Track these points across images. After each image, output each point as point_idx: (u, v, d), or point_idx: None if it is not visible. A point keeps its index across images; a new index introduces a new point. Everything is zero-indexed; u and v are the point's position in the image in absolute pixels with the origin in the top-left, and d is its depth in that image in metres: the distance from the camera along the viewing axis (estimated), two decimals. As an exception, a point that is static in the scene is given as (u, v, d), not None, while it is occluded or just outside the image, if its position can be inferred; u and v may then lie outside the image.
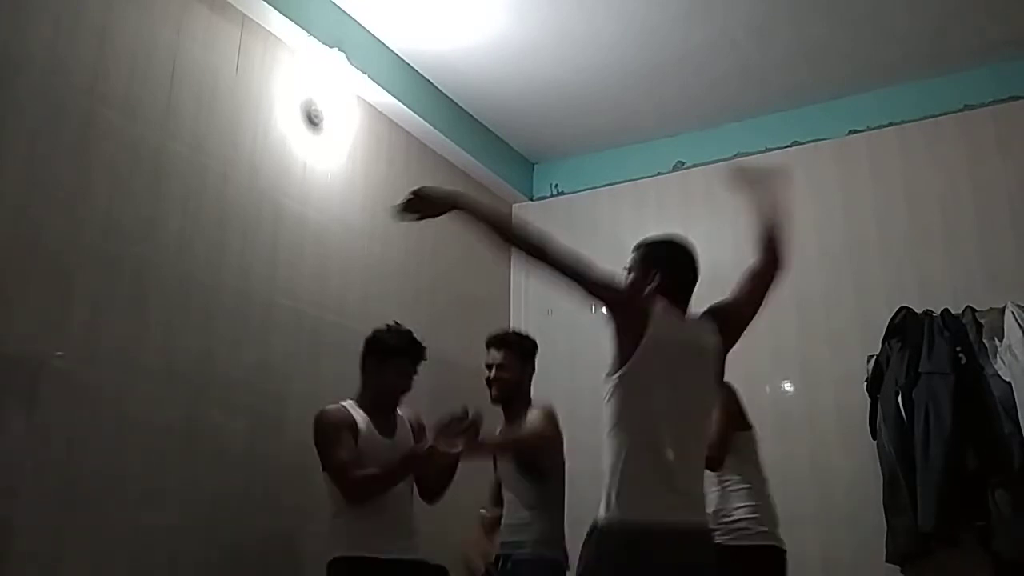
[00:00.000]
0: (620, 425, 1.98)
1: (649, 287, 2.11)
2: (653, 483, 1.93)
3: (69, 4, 2.44)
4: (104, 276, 2.43)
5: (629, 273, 2.23)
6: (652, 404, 1.98)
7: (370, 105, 3.62)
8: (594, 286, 2.04)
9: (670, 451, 1.95)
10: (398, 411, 2.75)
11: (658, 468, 1.93)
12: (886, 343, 3.37)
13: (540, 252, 2.03)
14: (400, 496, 2.60)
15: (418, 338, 2.76)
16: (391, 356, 2.68)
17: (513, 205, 4.65)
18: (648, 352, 1.98)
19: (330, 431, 2.56)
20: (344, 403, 2.67)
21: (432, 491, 2.78)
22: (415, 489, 2.73)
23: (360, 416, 2.62)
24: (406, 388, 2.73)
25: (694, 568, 1.92)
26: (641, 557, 1.85)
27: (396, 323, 2.78)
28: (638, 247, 2.28)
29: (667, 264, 2.23)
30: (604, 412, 2.04)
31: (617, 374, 2.00)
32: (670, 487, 1.93)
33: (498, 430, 2.86)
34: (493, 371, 2.88)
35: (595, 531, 1.94)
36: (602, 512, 1.94)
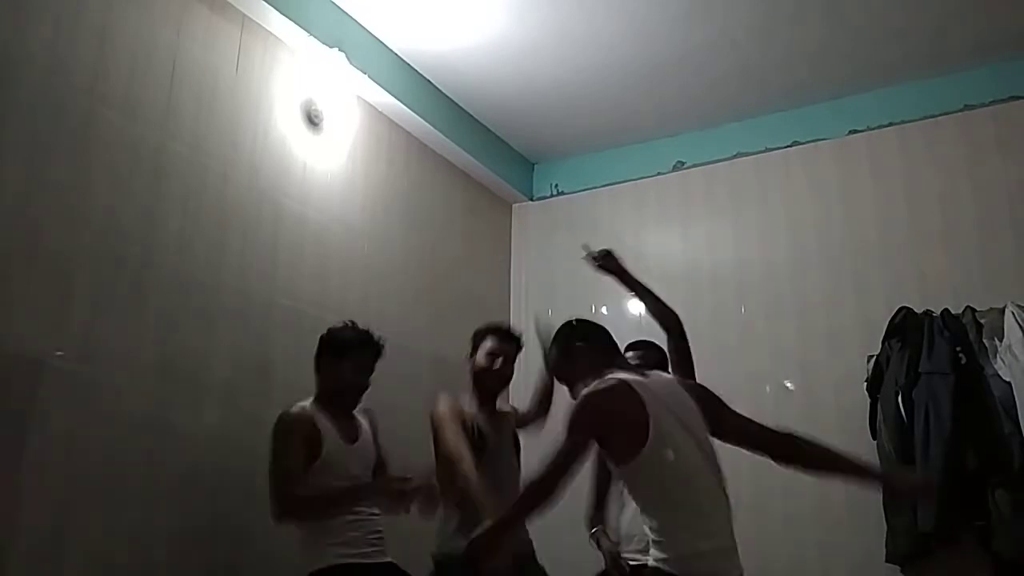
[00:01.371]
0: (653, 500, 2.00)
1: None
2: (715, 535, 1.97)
3: (69, 4, 2.44)
4: (104, 276, 2.43)
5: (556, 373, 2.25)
6: (678, 473, 1.97)
7: (370, 105, 3.62)
8: (582, 455, 1.97)
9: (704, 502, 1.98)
10: (355, 413, 2.66)
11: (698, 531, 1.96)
12: (886, 343, 3.37)
13: (548, 489, 1.95)
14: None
15: (376, 335, 2.65)
16: (348, 352, 2.58)
17: (513, 205, 4.65)
18: (658, 430, 1.95)
19: (287, 438, 2.44)
20: (304, 404, 2.55)
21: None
22: None
23: (324, 422, 2.51)
24: (364, 385, 2.63)
25: None
26: None
27: (352, 321, 2.69)
28: (548, 352, 2.29)
29: (582, 339, 2.20)
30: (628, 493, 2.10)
31: (630, 464, 1.96)
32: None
33: (480, 418, 2.77)
34: (499, 363, 2.80)
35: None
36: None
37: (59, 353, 2.27)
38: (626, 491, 2.13)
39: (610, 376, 2.02)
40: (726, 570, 1.95)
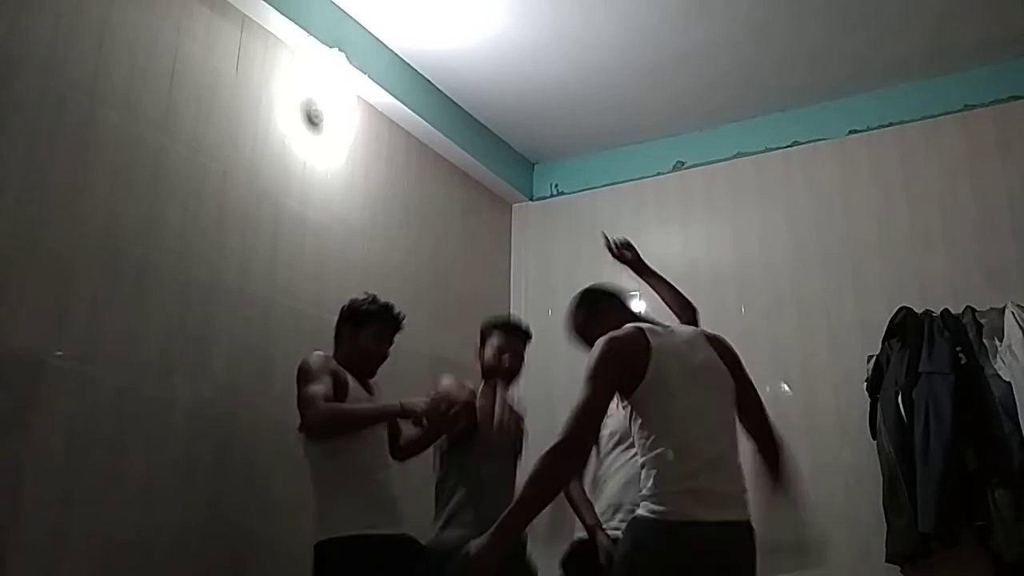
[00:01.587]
0: (648, 434, 2.00)
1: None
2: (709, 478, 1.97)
3: (69, 4, 2.44)
4: (104, 275, 2.43)
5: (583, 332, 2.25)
6: (673, 413, 2.00)
7: (370, 105, 3.62)
8: (606, 397, 1.98)
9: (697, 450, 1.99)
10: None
11: (689, 468, 1.97)
12: (886, 343, 3.36)
13: (575, 444, 1.94)
14: (384, 468, 2.55)
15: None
16: (368, 321, 2.62)
17: (513, 205, 4.65)
18: (658, 370, 1.99)
19: (314, 371, 2.44)
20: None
21: (406, 451, 2.76)
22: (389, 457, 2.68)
23: (348, 376, 2.54)
24: (383, 355, 2.65)
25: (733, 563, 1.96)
26: (681, 551, 1.89)
27: (373, 294, 2.71)
28: (573, 314, 2.28)
29: (607, 301, 2.26)
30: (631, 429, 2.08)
31: (633, 394, 2.00)
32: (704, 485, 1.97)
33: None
34: (507, 359, 2.83)
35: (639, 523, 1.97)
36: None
37: (59, 353, 2.27)
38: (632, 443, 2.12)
39: (626, 326, 2.07)
40: (716, 512, 1.93)
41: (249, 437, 2.80)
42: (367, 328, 2.62)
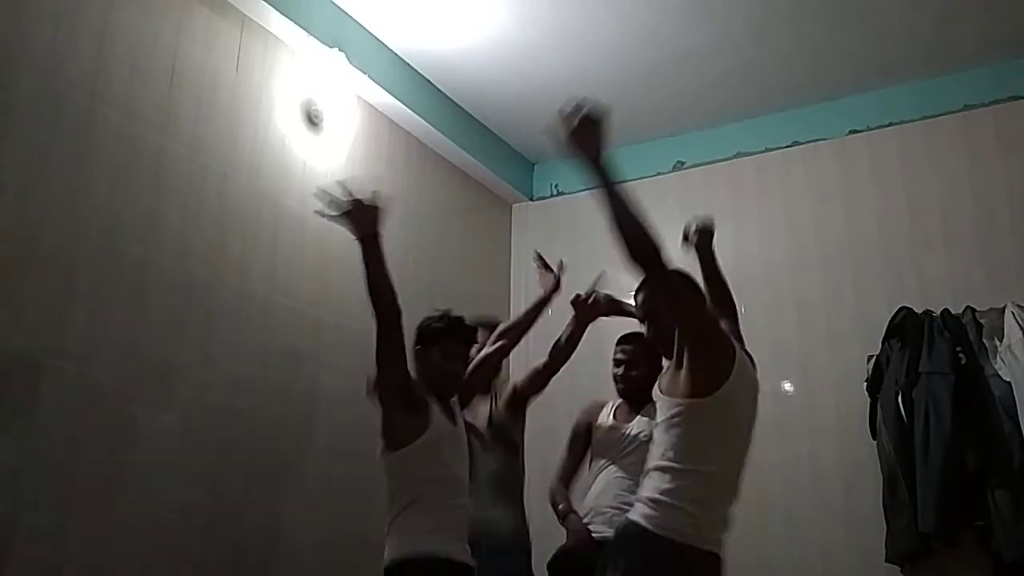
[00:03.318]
0: (689, 451, 1.97)
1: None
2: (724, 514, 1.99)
3: (69, 4, 2.44)
4: (104, 276, 2.43)
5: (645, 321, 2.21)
6: (727, 439, 2.00)
7: (370, 105, 3.62)
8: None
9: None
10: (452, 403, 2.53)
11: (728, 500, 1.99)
12: (886, 343, 3.36)
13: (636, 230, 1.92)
14: (462, 495, 2.40)
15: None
16: (436, 339, 2.47)
17: (513, 205, 4.65)
18: (736, 387, 1.96)
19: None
20: None
21: (565, 350, 2.88)
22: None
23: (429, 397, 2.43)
24: (456, 373, 2.49)
25: None
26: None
27: (446, 310, 2.57)
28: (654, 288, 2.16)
29: (695, 291, 2.15)
30: (667, 430, 2.01)
31: (704, 399, 1.95)
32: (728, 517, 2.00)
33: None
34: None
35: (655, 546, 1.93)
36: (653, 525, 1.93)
37: (59, 353, 2.27)
38: (663, 433, 2.02)
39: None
40: (712, 542, 1.95)
41: (249, 437, 2.80)
42: (436, 346, 2.46)
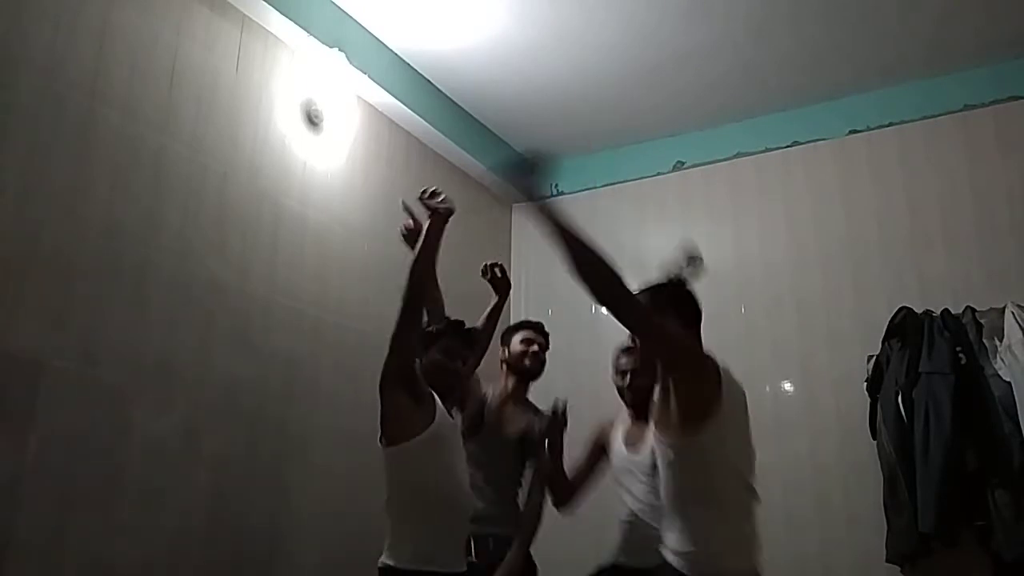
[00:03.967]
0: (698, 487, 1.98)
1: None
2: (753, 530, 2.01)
3: (69, 4, 2.44)
4: (104, 276, 2.43)
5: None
6: (731, 459, 2.00)
7: (370, 105, 3.62)
8: (664, 337, 1.96)
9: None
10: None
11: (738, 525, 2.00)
12: (886, 343, 3.36)
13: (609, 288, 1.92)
14: (464, 504, 2.40)
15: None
16: (436, 339, 2.51)
17: (513, 205, 4.65)
18: (727, 407, 1.96)
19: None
20: None
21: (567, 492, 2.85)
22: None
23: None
24: (454, 369, 2.51)
25: None
26: None
27: (447, 318, 2.65)
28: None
29: (680, 305, 2.14)
30: (669, 466, 2.01)
31: (697, 435, 1.94)
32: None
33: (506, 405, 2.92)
34: (534, 353, 2.96)
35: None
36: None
37: (59, 353, 2.27)
38: (666, 470, 2.03)
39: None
40: (746, 561, 1.97)
41: (249, 437, 2.80)
42: (436, 346, 2.51)
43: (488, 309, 2.96)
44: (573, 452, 2.89)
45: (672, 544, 1.98)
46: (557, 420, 2.81)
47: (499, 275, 2.97)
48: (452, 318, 2.60)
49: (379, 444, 2.32)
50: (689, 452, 1.95)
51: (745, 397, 2.08)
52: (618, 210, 4.32)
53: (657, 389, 2.05)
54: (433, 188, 2.44)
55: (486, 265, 2.98)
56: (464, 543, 2.40)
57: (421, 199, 2.43)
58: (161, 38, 2.71)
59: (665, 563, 1.98)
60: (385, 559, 2.26)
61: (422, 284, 2.32)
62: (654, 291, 2.13)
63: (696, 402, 1.93)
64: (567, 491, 2.86)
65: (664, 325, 1.97)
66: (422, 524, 2.27)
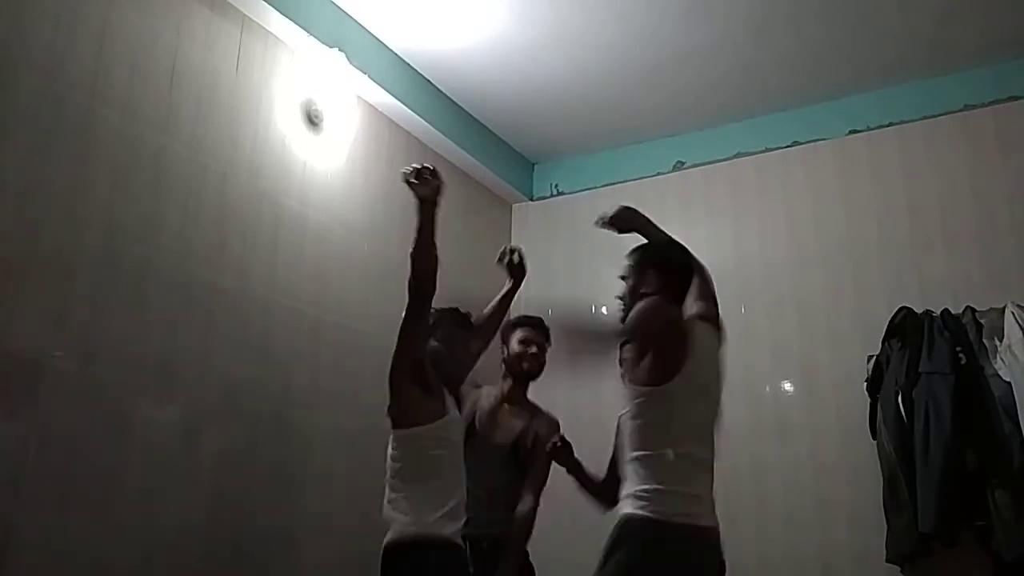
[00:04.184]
0: (657, 436, 2.10)
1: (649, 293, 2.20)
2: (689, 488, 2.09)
3: (69, 4, 2.44)
4: (104, 276, 2.43)
5: (626, 279, 2.30)
6: (692, 416, 2.12)
7: (370, 105, 3.62)
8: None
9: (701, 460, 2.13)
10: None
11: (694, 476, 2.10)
12: (886, 343, 3.36)
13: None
14: (460, 482, 2.42)
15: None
16: (437, 326, 2.52)
17: (513, 205, 4.65)
18: (691, 369, 2.10)
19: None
20: None
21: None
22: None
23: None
24: (458, 355, 2.56)
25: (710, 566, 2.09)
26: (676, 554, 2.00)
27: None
28: (634, 252, 2.38)
29: (665, 265, 2.31)
30: (633, 417, 2.15)
31: (660, 387, 2.10)
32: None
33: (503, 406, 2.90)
34: (533, 355, 2.93)
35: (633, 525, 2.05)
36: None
37: (59, 353, 2.27)
38: (630, 421, 2.16)
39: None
40: (704, 515, 2.06)
41: (249, 437, 2.80)
42: (437, 333, 2.52)
43: (501, 293, 2.94)
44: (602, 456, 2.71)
45: (633, 489, 2.09)
46: (559, 450, 2.67)
47: (516, 261, 2.94)
48: (452, 308, 2.60)
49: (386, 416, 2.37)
50: (656, 400, 2.11)
51: (718, 348, 2.24)
52: (618, 210, 4.31)
53: (629, 349, 2.22)
54: (416, 167, 2.32)
55: (505, 248, 2.97)
56: (462, 523, 2.39)
57: (406, 181, 2.32)
58: (161, 38, 2.71)
59: (623, 515, 2.09)
60: (388, 538, 2.28)
61: (426, 273, 2.30)
62: (641, 250, 2.36)
63: (665, 361, 2.11)
64: (607, 496, 2.60)
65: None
66: (427, 496, 2.30)
